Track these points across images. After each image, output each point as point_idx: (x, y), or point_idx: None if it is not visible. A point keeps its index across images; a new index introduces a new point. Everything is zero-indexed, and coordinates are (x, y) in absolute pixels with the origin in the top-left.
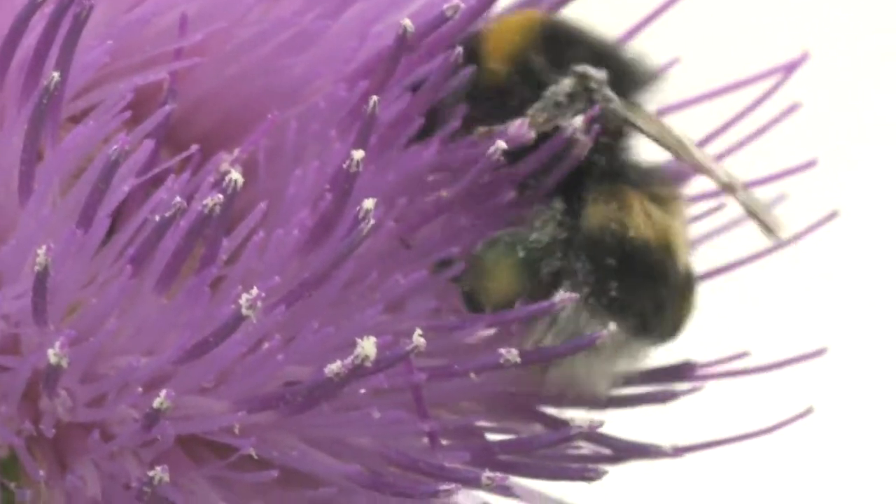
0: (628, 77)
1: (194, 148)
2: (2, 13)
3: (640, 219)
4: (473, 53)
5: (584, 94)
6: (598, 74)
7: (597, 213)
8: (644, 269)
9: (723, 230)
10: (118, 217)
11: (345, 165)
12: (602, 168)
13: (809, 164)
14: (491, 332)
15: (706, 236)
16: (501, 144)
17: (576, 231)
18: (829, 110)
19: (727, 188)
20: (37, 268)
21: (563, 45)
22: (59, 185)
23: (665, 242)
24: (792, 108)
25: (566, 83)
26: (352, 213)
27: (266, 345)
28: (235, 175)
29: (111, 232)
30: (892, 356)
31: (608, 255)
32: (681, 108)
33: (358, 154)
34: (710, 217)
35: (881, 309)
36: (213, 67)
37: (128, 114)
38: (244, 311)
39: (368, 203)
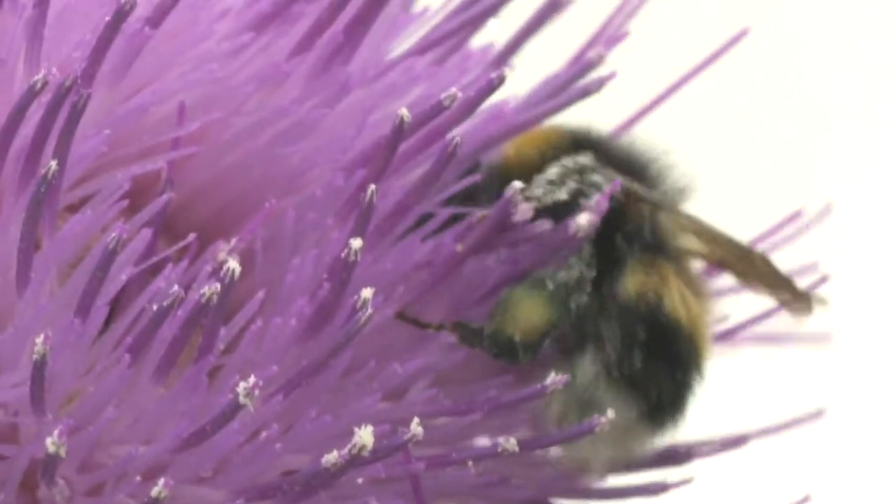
0: (650, 176)
1: (192, 237)
2: (0, 101)
3: (677, 297)
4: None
5: (574, 174)
6: (583, 159)
7: (635, 281)
8: (672, 349)
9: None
10: (116, 306)
11: (343, 254)
12: (645, 238)
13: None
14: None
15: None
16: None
17: (609, 296)
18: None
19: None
20: (35, 356)
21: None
22: (56, 274)
23: (695, 329)
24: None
25: (554, 168)
26: (350, 301)
27: (264, 434)
28: (233, 264)
29: (109, 321)
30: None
31: (640, 324)
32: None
33: (356, 243)
34: None
35: (876, 374)
36: (210, 156)
37: (125, 203)
38: (241, 400)
39: (366, 292)
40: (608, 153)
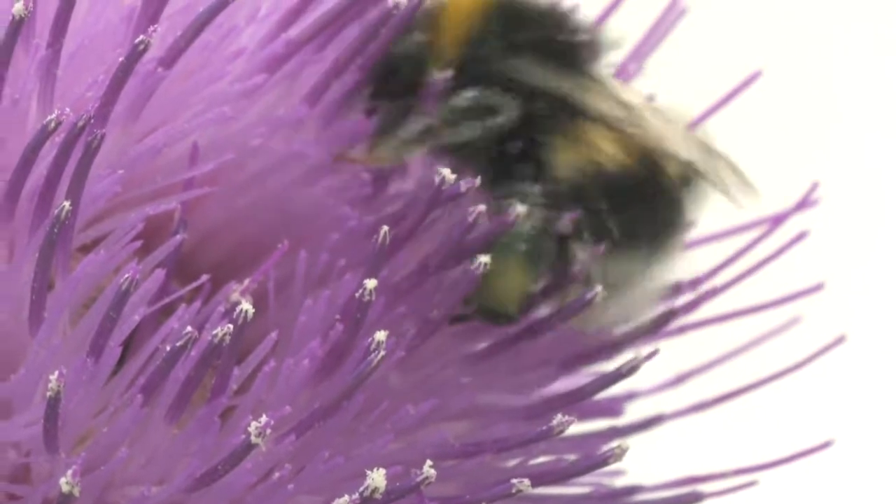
0: (582, 48)
1: (205, 277)
2: (13, 141)
3: (609, 147)
4: (428, 23)
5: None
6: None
7: (566, 164)
8: (635, 195)
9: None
10: (129, 346)
11: (357, 294)
12: (547, 117)
13: (817, 288)
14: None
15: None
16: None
17: (557, 191)
18: (835, 237)
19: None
20: (49, 394)
21: (516, 26)
22: (69, 315)
23: (644, 155)
24: (800, 236)
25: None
26: (362, 343)
27: (276, 474)
28: (246, 305)
29: (122, 361)
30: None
31: (596, 198)
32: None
33: (371, 283)
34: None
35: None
36: (223, 197)
37: (139, 243)
38: (253, 440)
39: (380, 335)
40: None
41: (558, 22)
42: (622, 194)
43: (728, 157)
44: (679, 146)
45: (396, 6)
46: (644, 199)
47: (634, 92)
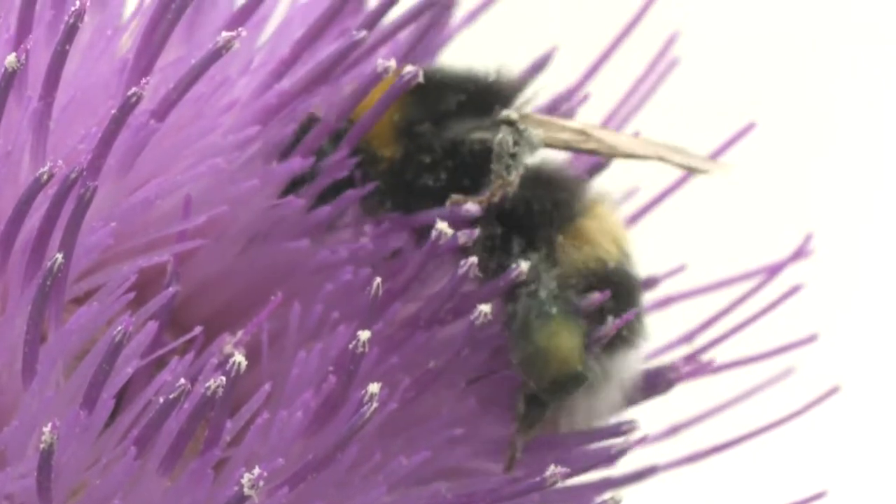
0: (502, 94)
1: (198, 329)
2: (5, 193)
3: (604, 242)
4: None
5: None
6: (514, 114)
7: (573, 258)
8: (626, 291)
9: None
10: (122, 398)
11: (351, 346)
12: (549, 213)
13: (811, 339)
14: None
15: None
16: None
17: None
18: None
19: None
20: (42, 445)
21: (433, 100)
22: (62, 367)
23: (623, 251)
24: (795, 289)
25: (504, 138)
26: (355, 395)
27: None
28: (239, 357)
29: (115, 413)
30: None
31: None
32: (691, 296)
33: (364, 335)
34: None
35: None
36: (216, 249)
37: (131, 295)
38: (246, 492)
39: (374, 387)
40: (454, 86)
41: (467, 80)
42: (618, 289)
43: (675, 143)
44: (636, 150)
45: (385, 70)
46: (630, 294)
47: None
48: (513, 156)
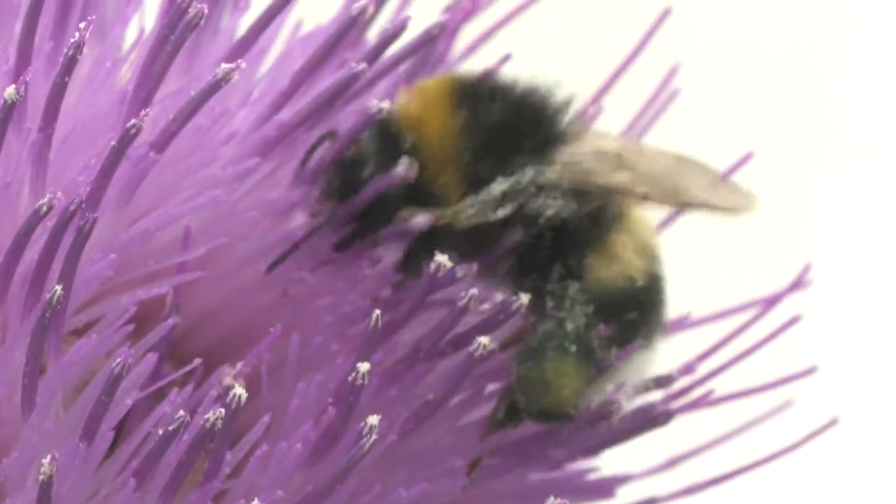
0: (553, 115)
1: (197, 361)
2: (5, 225)
3: (634, 258)
4: (393, 140)
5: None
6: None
7: (601, 277)
8: (653, 299)
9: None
10: (121, 430)
11: (350, 378)
12: (584, 231)
13: (810, 371)
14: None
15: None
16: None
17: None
18: (828, 319)
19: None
20: (41, 477)
21: (483, 109)
22: (61, 399)
23: (655, 261)
24: (793, 320)
25: (498, 186)
26: (355, 427)
27: None
28: (239, 389)
29: (114, 445)
30: None
31: (628, 309)
32: (689, 326)
33: (364, 367)
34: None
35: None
36: (215, 281)
37: (131, 327)
38: None
39: (373, 419)
40: (504, 98)
41: (521, 96)
42: (648, 302)
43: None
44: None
45: (379, 111)
46: (658, 303)
47: (608, 136)
48: (511, 200)
